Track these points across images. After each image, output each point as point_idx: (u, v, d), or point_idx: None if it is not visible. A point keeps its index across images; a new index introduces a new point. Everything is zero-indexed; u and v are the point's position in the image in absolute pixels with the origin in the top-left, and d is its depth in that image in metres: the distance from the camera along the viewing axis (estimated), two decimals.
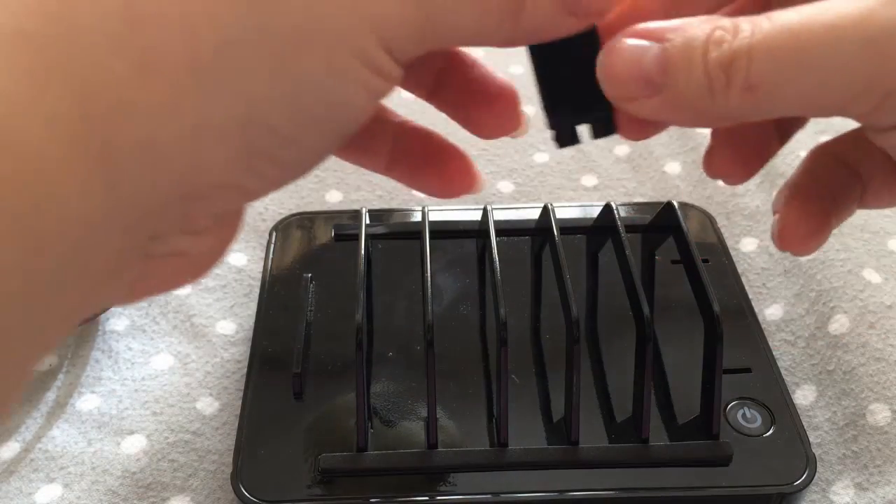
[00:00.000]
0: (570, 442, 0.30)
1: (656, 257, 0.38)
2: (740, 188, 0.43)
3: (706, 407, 0.31)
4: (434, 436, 0.30)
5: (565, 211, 0.40)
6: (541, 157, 0.46)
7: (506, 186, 0.45)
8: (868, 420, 0.33)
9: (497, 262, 0.33)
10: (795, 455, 0.31)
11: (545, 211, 0.36)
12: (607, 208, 0.36)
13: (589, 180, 0.45)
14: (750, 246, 0.41)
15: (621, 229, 0.34)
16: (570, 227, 0.38)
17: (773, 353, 0.35)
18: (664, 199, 0.43)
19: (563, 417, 0.31)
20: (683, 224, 0.35)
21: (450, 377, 0.33)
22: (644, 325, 0.31)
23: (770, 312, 0.38)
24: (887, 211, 0.42)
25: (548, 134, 0.52)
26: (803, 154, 0.46)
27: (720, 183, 0.43)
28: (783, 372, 0.35)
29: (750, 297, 0.38)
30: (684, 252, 0.34)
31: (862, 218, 0.41)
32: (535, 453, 0.30)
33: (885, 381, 0.34)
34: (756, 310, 0.37)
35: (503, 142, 0.48)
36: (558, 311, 0.33)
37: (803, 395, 0.34)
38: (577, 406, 0.30)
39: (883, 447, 0.32)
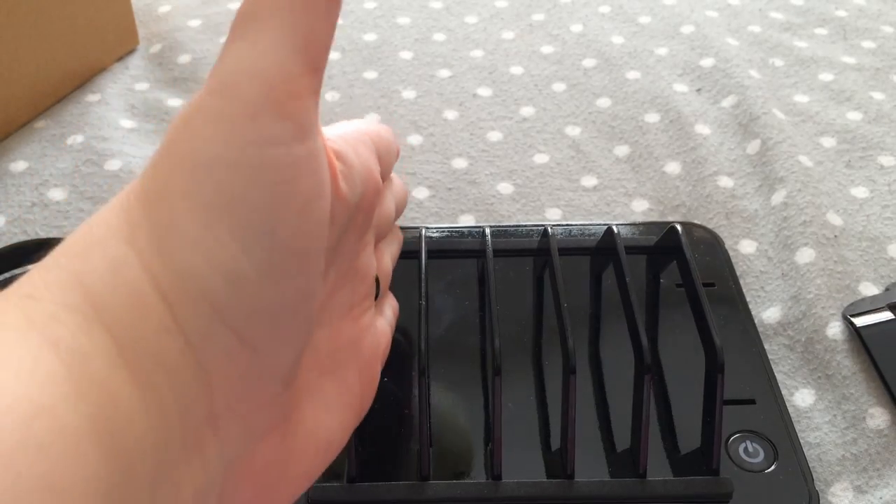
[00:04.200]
0: (565, 475, 0.30)
1: (661, 280, 0.37)
2: (739, 190, 0.43)
3: (706, 441, 0.30)
4: (426, 467, 0.29)
5: (569, 229, 0.39)
6: (540, 159, 0.46)
7: (505, 188, 0.45)
8: (868, 423, 0.33)
9: (494, 289, 0.32)
10: (798, 492, 0.30)
11: (545, 233, 0.36)
12: (608, 232, 0.35)
13: (589, 181, 0.45)
14: (748, 248, 0.41)
15: (622, 254, 0.34)
16: (572, 248, 0.37)
17: (771, 357, 0.35)
18: (664, 199, 0.44)
19: (560, 449, 0.30)
20: (686, 249, 0.34)
21: (446, 404, 0.32)
22: (642, 356, 0.30)
23: (767, 315, 0.38)
24: (888, 214, 0.42)
25: (547, 135, 0.52)
26: (804, 159, 0.47)
27: (720, 183, 0.44)
28: (782, 376, 0.35)
29: (748, 299, 0.38)
30: (686, 278, 0.33)
31: (861, 224, 0.41)
32: (529, 487, 0.29)
33: (884, 385, 0.34)
34: (754, 312, 0.37)
35: (503, 143, 0.48)
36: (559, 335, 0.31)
37: (802, 398, 0.34)
38: (572, 439, 0.29)
39: (882, 450, 0.32)
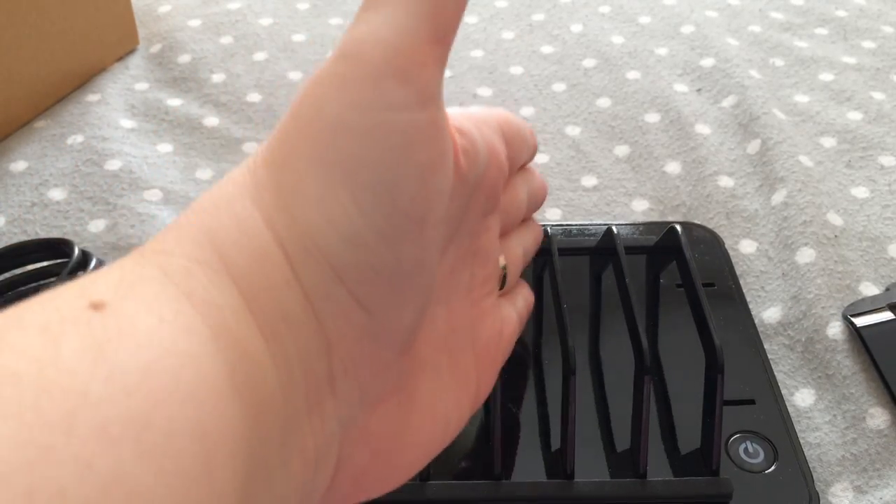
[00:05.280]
0: (565, 475, 0.30)
1: (661, 280, 0.37)
2: (740, 190, 0.43)
3: (706, 441, 0.30)
4: (426, 467, 0.29)
5: (569, 229, 0.39)
6: (540, 158, 0.46)
7: None
8: (868, 423, 0.33)
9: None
10: (798, 493, 0.29)
11: (545, 233, 0.35)
12: (608, 232, 0.35)
13: (589, 181, 0.45)
14: (749, 248, 0.41)
15: (622, 254, 0.34)
16: (572, 248, 0.37)
17: (771, 357, 0.35)
18: (664, 199, 0.44)
19: (560, 449, 0.30)
20: (686, 249, 0.34)
21: None
22: (642, 356, 0.30)
23: (767, 315, 0.38)
24: (888, 214, 0.42)
25: (547, 135, 0.52)
26: (804, 159, 0.47)
27: (720, 183, 0.44)
28: (782, 376, 0.35)
29: (748, 299, 0.38)
30: (686, 278, 0.33)
31: (861, 224, 0.41)
32: (529, 487, 0.29)
33: (884, 385, 0.34)
34: (754, 312, 0.37)
35: None
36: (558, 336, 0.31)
37: (802, 398, 0.34)
38: (572, 439, 0.29)
39: (882, 450, 0.32)
